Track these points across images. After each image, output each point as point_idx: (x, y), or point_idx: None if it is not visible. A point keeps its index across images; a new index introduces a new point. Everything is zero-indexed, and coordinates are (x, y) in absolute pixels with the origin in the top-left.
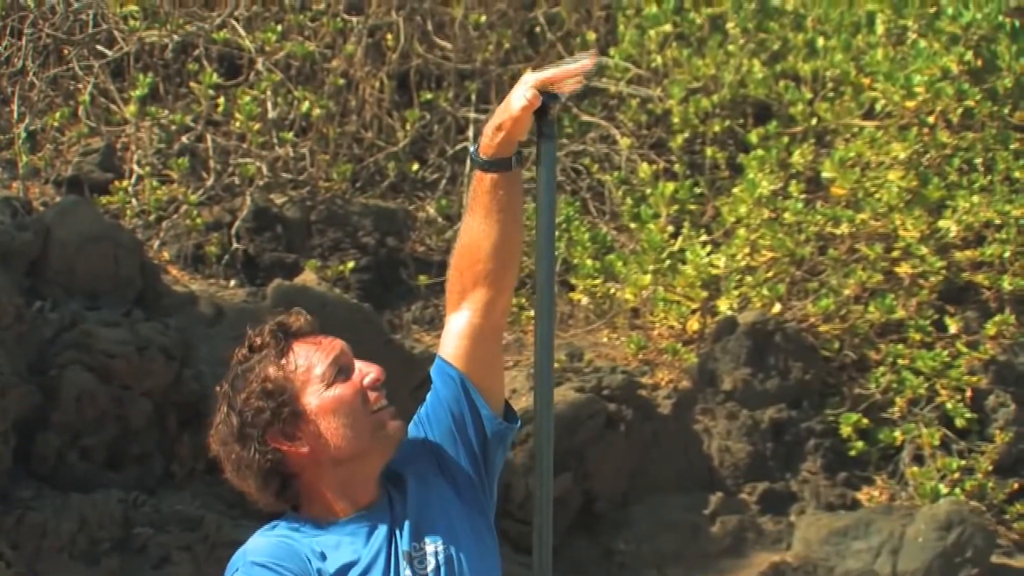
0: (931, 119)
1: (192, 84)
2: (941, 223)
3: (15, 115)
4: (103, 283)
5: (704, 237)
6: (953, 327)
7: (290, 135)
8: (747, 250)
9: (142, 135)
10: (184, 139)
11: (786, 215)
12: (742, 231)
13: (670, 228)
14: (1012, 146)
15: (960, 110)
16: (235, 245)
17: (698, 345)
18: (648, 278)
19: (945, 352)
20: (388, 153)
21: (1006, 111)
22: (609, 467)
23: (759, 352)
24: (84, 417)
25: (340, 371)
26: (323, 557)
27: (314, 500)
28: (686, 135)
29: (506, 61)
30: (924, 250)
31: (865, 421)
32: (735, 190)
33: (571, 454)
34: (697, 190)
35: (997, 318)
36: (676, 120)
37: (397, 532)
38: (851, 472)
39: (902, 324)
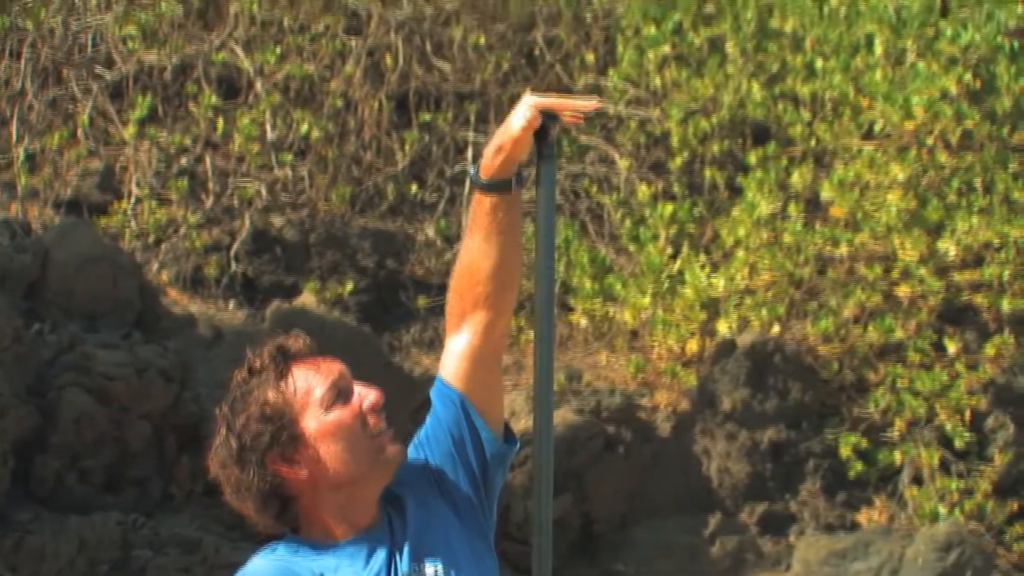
0: (930, 140)
1: (191, 105)
2: (940, 244)
3: (14, 136)
4: (102, 305)
5: (703, 258)
6: (952, 348)
7: (289, 156)
8: (746, 271)
9: (141, 156)
10: (183, 160)
11: (785, 236)
12: (741, 252)
13: (669, 249)
14: (1011, 167)
15: (959, 131)
16: (234, 267)
17: (697, 366)
18: (647, 299)
19: (944, 373)
20: (387, 175)
21: (1005, 132)
22: (608, 489)
23: (758, 373)
24: (83, 439)
25: (339, 394)
26: None
27: (313, 523)
28: (685, 156)
29: (505, 82)
30: (923, 271)
31: (864, 442)
32: (734, 211)
33: (570, 476)
34: (696, 211)
35: (996, 339)
36: (675, 141)
37: (397, 554)
38: (850, 493)
39: (901, 345)
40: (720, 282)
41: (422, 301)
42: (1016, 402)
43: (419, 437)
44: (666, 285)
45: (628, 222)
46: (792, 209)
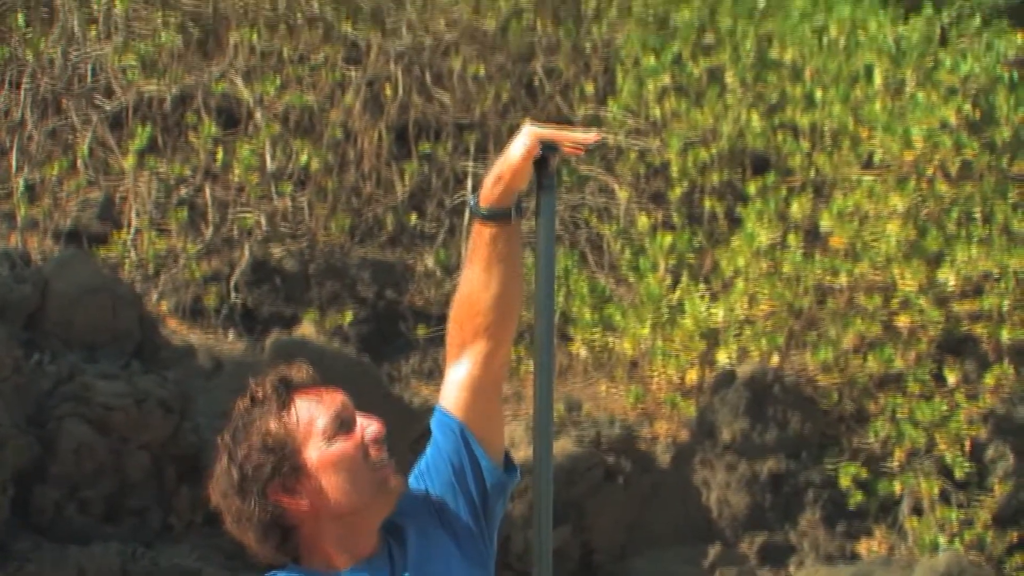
0: (929, 170)
1: (191, 136)
2: (939, 274)
3: (13, 167)
4: (101, 335)
5: (703, 288)
6: (952, 378)
7: (289, 187)
8: (746, 301)
9: (141, 187)
10: (183, 191)
11: (785, 266)
12: (740, 282)
13: (668, 279)
14: (1010, 197)
15: (958, 161)
16: (233, 297)
17: (697, 397)
18: (646, 330)
19: (944, 403)
20: (386, 205)
21: (1004, 162)
22: (608, 519)
23: (758, 404)
24: (82, 469)
25: (342, 425)
26: None
27: (314, 553)
28: (684, 186)
29: (505, 113)
30: (923, 301)
31: (864, 472)
32: (734, 241)
33: (570, 506)
34: (695, 241)
35: (996, 369)
36: (674, 171)
37: None
38: (850, 523)
39: (901, 375)
40: (720, 312)
41: (421, 331)
42: (1016, 432)
43: (419, 467)
44: (666, 315)
45: (628, 252)
46: (791, 239)
